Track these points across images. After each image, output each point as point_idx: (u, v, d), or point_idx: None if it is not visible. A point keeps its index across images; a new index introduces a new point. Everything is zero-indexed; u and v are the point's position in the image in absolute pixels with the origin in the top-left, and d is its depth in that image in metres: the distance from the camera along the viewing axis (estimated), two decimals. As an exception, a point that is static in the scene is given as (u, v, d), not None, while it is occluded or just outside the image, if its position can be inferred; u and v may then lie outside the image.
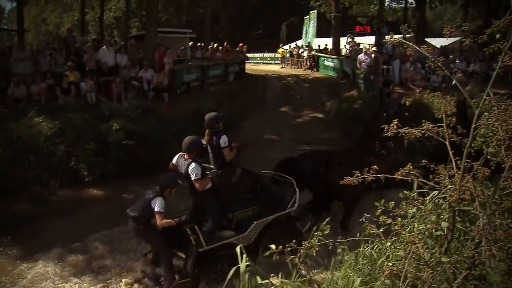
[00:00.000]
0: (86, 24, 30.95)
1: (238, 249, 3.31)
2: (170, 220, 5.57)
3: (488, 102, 2.20)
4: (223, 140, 6.16)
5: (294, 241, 2.93)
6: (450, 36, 2.74)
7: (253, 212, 6.30)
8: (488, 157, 2.24)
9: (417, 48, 2.64)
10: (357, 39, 21.70)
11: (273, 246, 3.03)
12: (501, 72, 2.45)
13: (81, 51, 14.16)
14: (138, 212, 5.66)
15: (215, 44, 20.80)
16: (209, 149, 6.35)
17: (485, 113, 2.23)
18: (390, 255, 2.90)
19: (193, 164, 5.77)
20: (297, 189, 6.63)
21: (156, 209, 5.51)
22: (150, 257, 6.16)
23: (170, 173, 6.04)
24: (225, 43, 21.67)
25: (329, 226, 2.98)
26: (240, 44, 22.86)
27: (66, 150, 10.14)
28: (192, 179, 5.75)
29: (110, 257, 6.88)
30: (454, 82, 13.76)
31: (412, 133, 2.40)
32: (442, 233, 2.40)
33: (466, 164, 2.32)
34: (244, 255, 3.19)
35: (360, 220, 2.89)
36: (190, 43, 19.20)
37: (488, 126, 2.12)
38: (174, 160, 6.23)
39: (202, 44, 21.09)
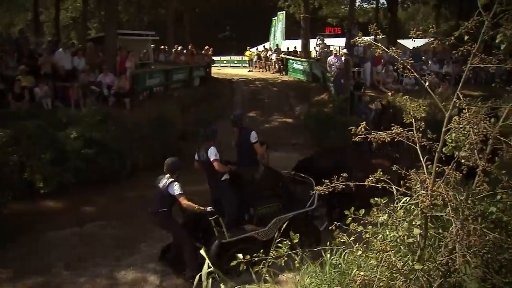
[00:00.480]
0: (41, 24, 30.12)
1: (202, 251, 3.30)
2: (195, 205, 5.92)
3: (458, 105, 2.25)
4: (253, 135, 6.62)
5: (261, 251, 2.99)
6: (421, 38, 2.79)
7: (274, 208, 6.74)
8: (462, 161, 2.28)
9: (385, 49, 2.68)
10: (327, 41, 22.04)
11: (240, 256, 3.04)
12: (470, 73, 2.51)
13: (35, 53, 13.72)
14: (157, 205, 6.13)
15: (179, 47, 20.65)
16: (237, 147, 6.89)
17: (455, 117, 2.28)
18: (362, 264, 2.92)
19: (211, 148, 6.31)
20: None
21: (176, 193, 5.96)
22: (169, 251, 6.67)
23: (173, 158, 6.54)
24: (189, 46, 21.56)
25: (298, 235, 2.98)
26: (206, 47, 22.79)
27: (20, 160, 9.76)
28: (212, 159, 6.25)
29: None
30: (426, 85, 14.14)
31: (380, 137, 2.43)
32: (415, 240, 2.43)
33: (437, 168, 2.36)
34: (207, 260, 3.21)
35: (330, 228, 2.90)
36: (153, 46, 19.00)
37: (459, 130, 2.16)
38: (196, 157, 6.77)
39: (166, 47, 20.92)
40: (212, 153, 6.28)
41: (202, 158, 6.51)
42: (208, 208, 5.97)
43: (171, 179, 6.11)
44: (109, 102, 13.14)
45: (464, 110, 2.21)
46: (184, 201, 5.93)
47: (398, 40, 22.60)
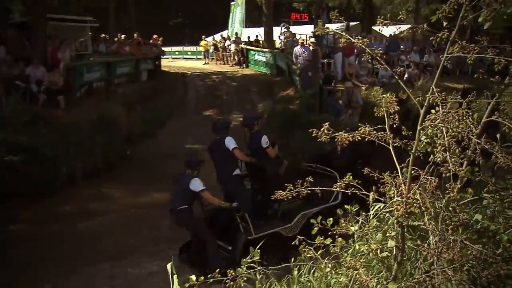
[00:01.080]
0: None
1: None
2: (220, 200, 6.75)
3: (432, 100, 2.24)
4: (264, 140, 7.18)
5: (217, 271, 2.95)
6: (392, 25, 2.78)
7: (298, 203, 7.22)
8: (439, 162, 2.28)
9: (350, 38, 2.65)
10: (293, 29, 22.18)
11: (193, 278, 3.00)
12: (448, 63, 2.52)
13: None
14: (178, 203, 6.64)
15: (123, 36, 20.27)
16: (249, 150, 7.48)
17: (432, 111, 2.27)
18: (332, 282, 2.90)
19: (227, 138, 7.06)
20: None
21: (199, 189, 6.56)
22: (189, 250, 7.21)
23: (191, 154, 7.59)
24: (135, 35, 21.20)
25: (259, 251, 2.94)
26: (154, 36, 22.48)
27: None
28: (231, 148, 6.96)
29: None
30: (406, 76, 14.46)
31: (345, 138, 2.40)
32: (389, 254, 2.41)
33: (413, 172, 2.35)
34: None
35: (293, 243, 2.86)
36: (91, 34, 18.53)
37: (435, 128, 2.15)
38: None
39: (106, 35, 20.46)
40: (232, 142, 7.01)
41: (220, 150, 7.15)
42: (234, 204, 6.67)
43: (192, 175, 6.69)
44: (39, 100, 12.68)
45: (437, 107, 2.20)
46: (208, 196, 6.65)
47: (374, 27, 22.99)
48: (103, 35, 20.10)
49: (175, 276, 3.25)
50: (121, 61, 17.50)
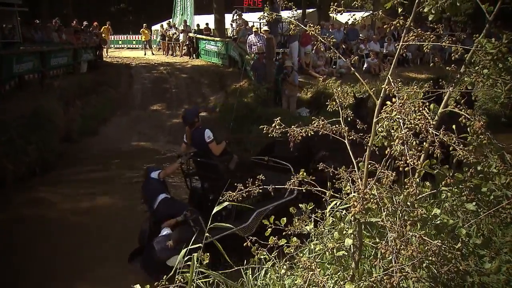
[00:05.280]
0: None
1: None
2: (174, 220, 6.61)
3: (389, 92, 2.30)
4: (207, 134, 6.98)
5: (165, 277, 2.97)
6: (346, 12, 2.83)
7: (253, 201, 6.92)
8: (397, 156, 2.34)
9: (300, 24, 2.69)
10: (246, 16, 22.18)
11: (137, 286, 2.99)
12: (404, 52, 2.59)
13: None
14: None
15: (58, 22, 19.72)
16: (191, 147, 7.35)
17: (388, 102, 2.33)
18: (288, 284, 2.94)
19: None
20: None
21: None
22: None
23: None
24: (73, 22, 20.69)
25: (208, 254, 2.96)
26: (95, 23, 22.01)
27: None
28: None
29: None
30: (365, 66, 14.78)
31: (297, 133, 2.43)
32: (346, 253, 2.47)
33: (370, 166, 2.41)
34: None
35: (245, 244, 2.89)
36: (20, 20, 17.86)
37: (390, 121, 2.21)
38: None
39: (39, 21, 19.82)
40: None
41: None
42: (187, 211, 6.59)
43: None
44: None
45: (393, 99, 2.26)
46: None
47: (332, 14, 23.36)
48: (35, 21, 19.46)
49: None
50: (57, 51, 16.97)
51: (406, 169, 2.20)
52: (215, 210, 3.30)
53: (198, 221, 6.58)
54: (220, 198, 6.93)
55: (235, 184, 7.01)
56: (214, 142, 7.03)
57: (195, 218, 6.61)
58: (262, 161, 8.23)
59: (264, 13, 2.88)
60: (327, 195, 2.75)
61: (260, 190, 2.98)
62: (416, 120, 2.11)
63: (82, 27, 20.83)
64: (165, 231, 6.51)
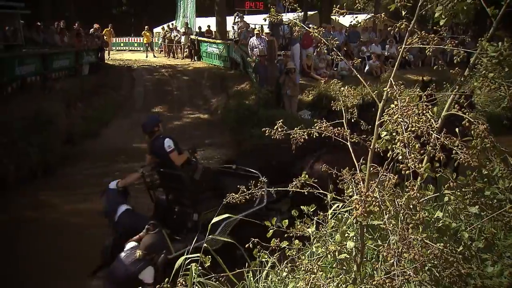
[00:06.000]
0: None
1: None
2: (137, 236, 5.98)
3: (391, 94, 2.29)
4: (167, 143, 6.58)
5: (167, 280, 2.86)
6: (348, 14, 2.83)
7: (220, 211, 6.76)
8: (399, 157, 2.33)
9: (304, 26, 2.69)
10: (247, 19, 22.21)
11: None
12: (406, 55, 2.59)
13: None
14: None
15: (60, 24, 19.74)
16: (154, 158, 6.94)
17: (391, 105, 2.32)
18: (289, 287, 2.93)
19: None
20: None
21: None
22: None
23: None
24: (75, 24, 20.71)
25: (210, 257, 2.95)
26: (96, 25, 22.03)
27: None
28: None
29: None
30: (366, 68, 14.76)
31: (300, 135, 2.43)
32: (348, 256, 2.46)
33: (372, 168, 2.40)
34: None
35: (246, 246, 2.88)
36: (22, 22, 17.91)
37: (394, 123, 2.20)
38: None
39: (41, 23, 19.86)
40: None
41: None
42: (150, 224, 6.03)
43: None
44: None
45: (395, 101, 2.25)
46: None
47: (333, 16, 23.35)
48: (37, 23, 19.50)
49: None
50: (59, 53, 17.04)
51: (408, 172, 2.19)
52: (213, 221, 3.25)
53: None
54: (186, 209, 6.76)
55: (202, 194, 6.66)
56: (175, 152, 6.65)
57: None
58: (230, 169, 7.84)
59: (269, 14, 2.87)
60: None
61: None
62: (419, 123, 2.10)
63: (86, 32, 20.81)
64: (132, 244, 6.01)
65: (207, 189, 6.94)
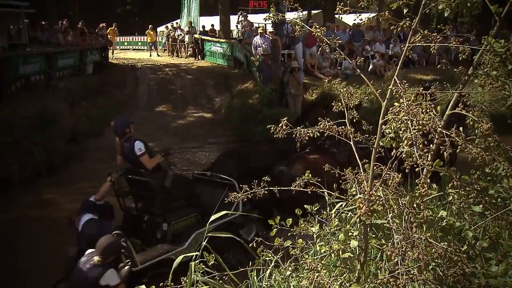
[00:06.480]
0: None
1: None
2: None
3: (395, 93, 2.28)
4: (137, 146, 6.28)
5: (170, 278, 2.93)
6: (352, 13, 2.83)
7: (192, 220, 6.65)
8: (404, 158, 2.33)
9: (306, 25, 2.68)
10: (251, 18, 22.19)
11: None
12: (410, 53, 2.58)
13: None
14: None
15: (64, 23, 19.78)
16: (124, 161, 6.65)
17: (395, 104, 2.32)
18: (292, 285, 2.93)
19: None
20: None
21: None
22: None
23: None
24: (79, 23, 20.74)
25: (213, 256, 2.94)
26: (101, 24, 22.06)
27: None
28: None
29: None
30: (370, 68, 14.73)
31: (304, 134, 2.42)
32: (352, 255, 2.45)
33: (375, 167, 2.40)
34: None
35: (250, 245, 2.87)
36: (27, 21, 17.97)
37: (399, 121, 2.20)
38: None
39: (45, 22, 19.91)
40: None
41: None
42: (115, 232, 5.84)
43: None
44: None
45: (400, 100, 2.25)
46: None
47: (337, 15, 23.37)
48: (42, 22, 19.54)
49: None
50: (63, 52, 17.07)
51: (417, 169, 2.19)
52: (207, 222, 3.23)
53: (127, 247, 5.89)
54: (156, 219, 6.56)
55: (172, 203, 6.50)
56: (146, 155, 6.31)
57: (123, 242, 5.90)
58: (205, 176, 7.62)
59: (269, 13, 2.87)
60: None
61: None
62: (424, 121, 2.10)
63: (90, 31, 20.83)
64: (90, 250, 5.66)
65: (178, 197, 6.73)
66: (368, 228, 2.53)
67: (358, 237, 2.50)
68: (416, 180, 2.20)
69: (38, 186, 10.81)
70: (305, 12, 25.22)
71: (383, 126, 2.33)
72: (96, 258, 5.38)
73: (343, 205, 2.76)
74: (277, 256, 2.87)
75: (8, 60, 13.92)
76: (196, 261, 3.02)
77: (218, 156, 8.55)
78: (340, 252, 2.38)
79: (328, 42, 2.67)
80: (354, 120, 2.65)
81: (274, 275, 3.28)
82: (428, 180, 2.47)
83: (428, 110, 2.23)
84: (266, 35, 16.64)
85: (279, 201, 5.89)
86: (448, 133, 2.13)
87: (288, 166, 7.42)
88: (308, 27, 2.74)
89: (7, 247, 7.93)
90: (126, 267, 5.75)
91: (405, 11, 2.55)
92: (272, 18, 2.87)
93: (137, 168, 6.44)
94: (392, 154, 2.30)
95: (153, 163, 6.42)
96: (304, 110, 10.06)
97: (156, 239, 6.39)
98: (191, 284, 2.95)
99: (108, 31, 24.93)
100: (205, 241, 4.10)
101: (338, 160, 7.60)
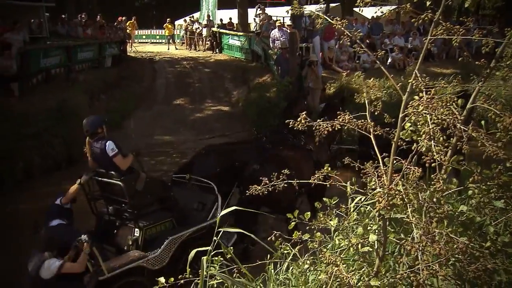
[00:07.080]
0: None
1: None
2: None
3: (415, 87, 2.26)
4: (109, 146, 6.00)
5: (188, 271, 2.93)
6: (372, 6, 2.79)
7: (166, 226, 6.37)
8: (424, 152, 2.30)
9: (327, 18, 2.66)
10: (269, 11, 22.14)
11: (162, 280, 2.95)
12: (431, 47, 2.55)
13: None
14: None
15: (84, 17, 19.94)
16: (95, 162, 6.33)
17: (415, 97, 2.30)
18: (311, 278, 2.92)
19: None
20: (219, 195, 6.77)
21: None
22: None
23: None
24: (98, 17, 20.88)
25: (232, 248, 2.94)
26: (120, 18, 22.18)
27: None
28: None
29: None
30: (389, 61, 14.53)
31: (324, 128, 2.41)
32: (371, 249, 2.44)
33: (395, 161, 2.37)
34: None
35: (268, 239, 2.86)
36: (48, 15, 18.19)
37: (419, 116, 2.17)
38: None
39: (65, 16, 20.12)
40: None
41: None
42: (83, 236, 5.45)
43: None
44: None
45: (421, 93, 2.22)
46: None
47: (355, 9, 23.17)
48: (62, 16, 19.75)
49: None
50: (83, 45, 17.24)
51: (433, 164, 2.17)
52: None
53: (94, 255, 5.52)
54: (128, 224, 6.24)
55: (145, 207, 6.30)
56: (119, 156, 6.03)
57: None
58: (183, 179, 7.25)
59: (291, 6, 2.85)
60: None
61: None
62: (444, 115, 2.07)
63: (109, 24, 20.94)
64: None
65: (152, 201, 6.47)
66: (387, 222, 2.51)
67: (377, 231, 2.48)
68: (432, 176, 2.17)
69: (58, 177, 10.90)
70: (323, 5, 25.06)
71: (403, 120, 2.31)
72: (46, 255, 5.31)
73: (362, 199, 2.73)
74: (295, 250, 2.86)
75: (30, 53, 14.07)
76: (209, 256, 3.00)
77: (195, 154, 8.23)
78: (359, 246, 2.37)
79: (349, 34, 2.65)
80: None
81: (291, 268, 3.27)
82: (445, 176, 2.44)
83: (448, 104, 2.21)
84: (284, 29, 16.57)
85: (258, 201, 5.64)
86: (466, 128, 2.10)
87: (261, 164, 7.10)
88: (329, 20, 2.71)
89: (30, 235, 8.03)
90: (93, 274, 5.46)
91: (428, 3, 2.52)
92: (293, 11, 2.85)
93: (110, 169, 6.14)
94: (413, 147, 2.28)
95: (127, 163, 6.18)
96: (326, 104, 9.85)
97: (127, 245, 6.11)
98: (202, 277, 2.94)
99: (127, 24, 25.07)
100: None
101: (314, 157, 7.54)
